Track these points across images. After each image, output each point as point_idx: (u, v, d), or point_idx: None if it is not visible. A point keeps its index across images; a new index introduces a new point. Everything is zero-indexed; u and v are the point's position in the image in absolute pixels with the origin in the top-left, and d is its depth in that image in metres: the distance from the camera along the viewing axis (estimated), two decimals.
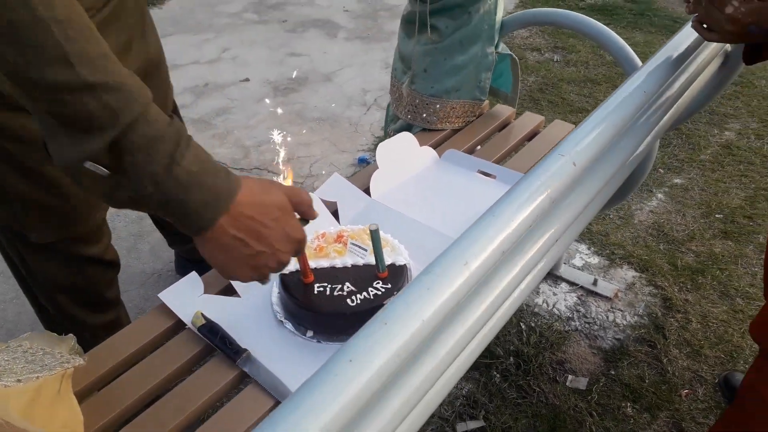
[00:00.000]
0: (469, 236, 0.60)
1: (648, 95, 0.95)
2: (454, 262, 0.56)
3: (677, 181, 2.41)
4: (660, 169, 2.48)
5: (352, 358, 0.46)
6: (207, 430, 0.87)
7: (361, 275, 1.04)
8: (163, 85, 1.39)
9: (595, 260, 2.01)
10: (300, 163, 2.59)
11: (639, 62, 1.48)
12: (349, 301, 0.99)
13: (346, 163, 2.63)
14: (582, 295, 1.86)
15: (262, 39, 3.75)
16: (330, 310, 0.98)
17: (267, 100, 3.07)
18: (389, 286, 1.01)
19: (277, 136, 2.78)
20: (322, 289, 1.01)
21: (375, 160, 1.38)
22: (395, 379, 0.56)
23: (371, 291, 1.00)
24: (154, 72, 1.29)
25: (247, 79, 3.29)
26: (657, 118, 1.14)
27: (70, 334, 0.90)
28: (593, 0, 4.29)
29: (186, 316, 1.01)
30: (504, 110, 1.75)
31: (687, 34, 1.18)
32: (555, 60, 3.43)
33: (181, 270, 2.00)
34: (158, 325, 1.00)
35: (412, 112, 1.63)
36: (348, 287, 1.01)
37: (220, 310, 1.03)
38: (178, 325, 1.01)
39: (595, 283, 1.87)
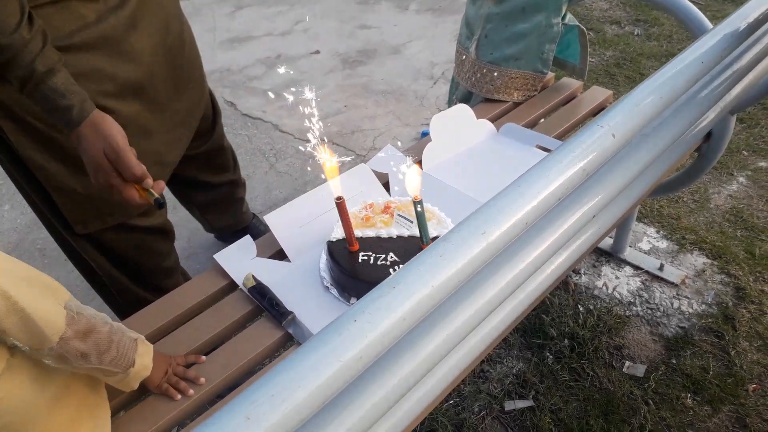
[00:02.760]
0: (491, 206, 0.59)
1: (706, 66, 0.87)
2: (472, 232, 0.56)
3: (762, 164, 2.23)
4: (744, 151, 2.30)
5: (357, 318, 0.48)
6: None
7: (405, 246, 1.04)
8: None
9: (663, 244, 1.91)
10: (363, 136, 2.61)
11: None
12: (391, 270, 1.00)
13: (409, 136, 2.62)
14: (647, 279, 1.78)
15: (334, 11, 3.77)
16: (373, 279, 0.99)
17: (335, 72, 3.10)
18: None
19: (343, 109, 2.80)
20: (366, 257, 1.03)
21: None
22: (403, 345, 0.57)
23: None
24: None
25: (317, 52, 3.33)
26: (722, 92, 1.05)
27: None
28: None
29: (238, 277, 1.06)
30: (571, 83, 1.68)
31: (762, 1, 1.07)
32: (636, 33, 3.23)
33: (217, 236, 2.06)
34: (213, 284, 1.06)
35: (471, 80, 1.60)
36: (392, 257, 1.02)
37: (270, 273, 1.07)
38: (231, 286, 1.06)
39: (661, 268, 1.78)
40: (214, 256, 1.09)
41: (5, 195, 2.31)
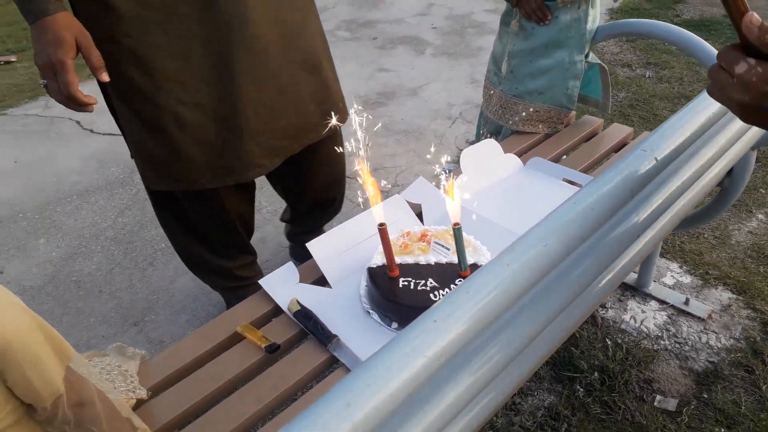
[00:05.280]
0: (551, 219, 0.63)
1: None
2: (534, 243, 0.60)
3: None
4: (761, 189, 2.34)
5: (436, 318, 0.51)
6: (298, 409, 0.94)
7: (443, 272, 1.08)
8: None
9: (687, 279, 1.93)
10: (386, 173, 2.68)
11: None
12: (432, 296, 1.03)
13: (431, 173, 2.67)
14: (673, 314, 1.79)
15: (354, 56, 3.91)
16: (414, 304, 1.03)
17: (355, 114, 3.20)
18: None
19: (364, 148, 2.87)
20: (406, 283, 1.06)
21: (460, 166, 1.42)
22: (477, 345, 0.60)
23: (453, 288, 1.04)
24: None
25: None
26: (745, 126, 1.10)
27: (143, 351, 1.01)
28: (690, 15, 4.12)
29: (283, 302, 1.10)
30: (592, 120, 1.74)
31: None
32: (647, 76, 3.32)
33: (292, 253, 2.11)
34: (259, 308, 1.10)
35: (499, 113, 1.68)
36: (431, 283, 1.06)
37: (312, 298, 1.10)
38: (276, 310, 1.10)
39: (687, 302, 1.79)
40: (260, 281, 1.13)
41: (40, 229, 2.38)
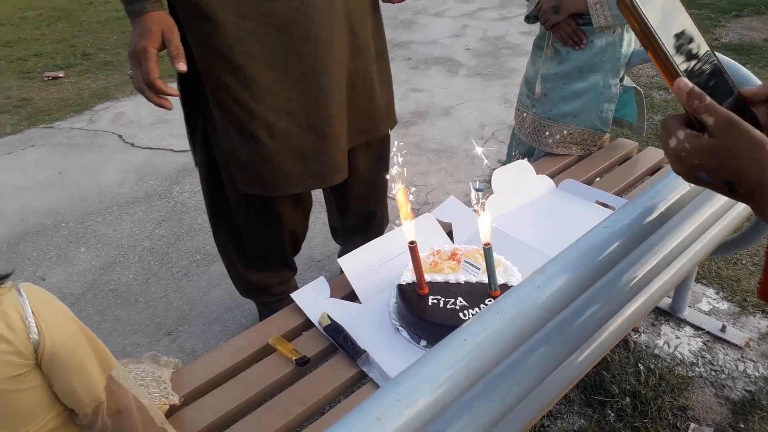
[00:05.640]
0: (583, 242, 0.64)
1: None
2: (566, 266, 0.60)
3: None
4: None
5: (466, 337, 0.52)
6: (326, 423, 0.95)
7: (473, 292, 1.08)
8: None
9: (724, 306, 1.88)
10: (417, 191, 2.69)
11: None
12: (461, 314, 1.04)
13: (462, 192, 2.69)
14: (708, 341, 1.75)
15: None
16: (443, 322, 1.03)
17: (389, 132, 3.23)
18: None
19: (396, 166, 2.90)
20: (436, 301, 1.07)
21: (490, 186, 1.43)
22: (507, 365, 0.61)
23: (483, 307, 1.05)
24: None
25: None
26: None
27: (176, 360, 1.05)
28: (729, 39, 4.06)
29: (314, 315, 1.12)
30: (626, 144, 1.73)
31: None
32: None
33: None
34: (291, 321, 1.12)
35: (532, 135, 1.68)
36: (460, 302, 1.06)
37: (343, 313, 1.12)
38: (307, 324, 1.12)
39: (723, 329, 1.74)
40: (292, 295, 1.16)
41: (81, 238, 2.46)
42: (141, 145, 3.24)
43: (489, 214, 1.01)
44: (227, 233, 1.63)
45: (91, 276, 2.23)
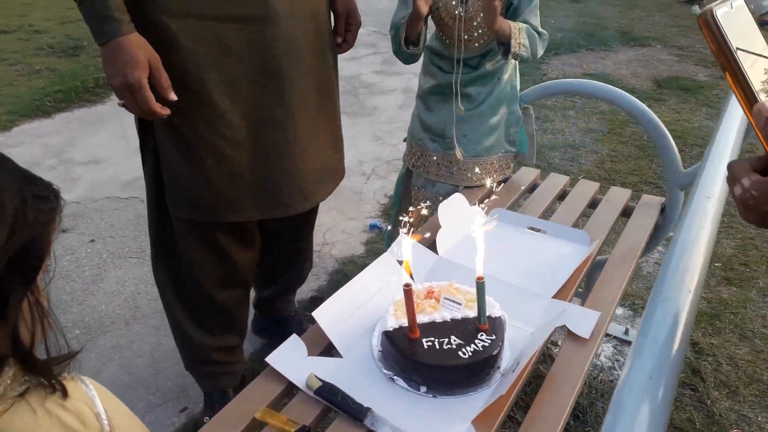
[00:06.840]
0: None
1: None
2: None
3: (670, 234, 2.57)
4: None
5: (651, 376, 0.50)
6: None
7: (463, 328, 1.06)
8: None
9: (619, 311, 2.09)
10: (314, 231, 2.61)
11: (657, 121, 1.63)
12: (460, 353, 1.01)
13: (357, 229, 2.67)
14: (617, 345, 1.92)
15: None
16: (443, 363, 0.99)
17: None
18: (494, 337, 1.04)
19: None
20: (431, 343, 1.03)
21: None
22: None
23: (479, 343, 1.03)
24: None
25: None
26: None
27: None
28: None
29: (297, 379, 1.00)
30: (529, 173, 1.86)
31: None
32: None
33: (256, 328, 2.02)
34: (272, 389, 0.99)
35: (448, 174, 1.72)
36: (455, 340, 1.03)
37: (327, 370, 1.02)
38: (290, 388, 1.00)
39: (626, 332, 1.93)
40: (267, 359, 1.03)
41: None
42: None
43: (482, 246, 1.00)
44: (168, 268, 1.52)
45: None
